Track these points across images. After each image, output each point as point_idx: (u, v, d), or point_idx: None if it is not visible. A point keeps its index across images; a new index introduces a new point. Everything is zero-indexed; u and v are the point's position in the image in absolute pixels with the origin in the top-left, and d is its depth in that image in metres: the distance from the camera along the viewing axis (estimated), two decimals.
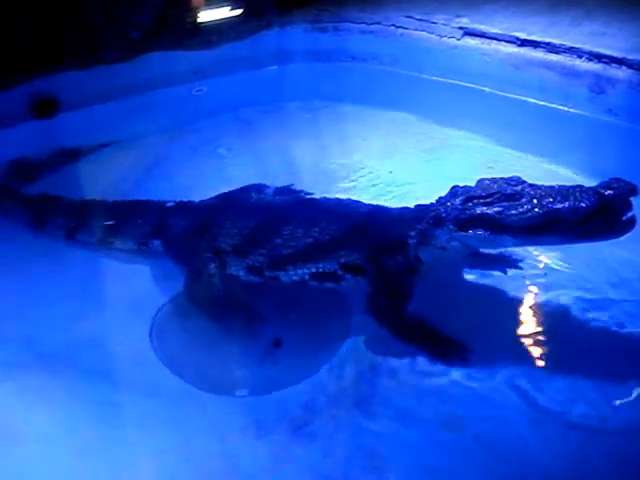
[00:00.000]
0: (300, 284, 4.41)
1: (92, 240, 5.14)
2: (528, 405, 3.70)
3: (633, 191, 3.64)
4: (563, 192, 3.74)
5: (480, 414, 3.67)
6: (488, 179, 4.06)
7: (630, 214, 3.63)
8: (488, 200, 3.90)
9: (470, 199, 3.97)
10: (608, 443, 3.50)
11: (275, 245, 4.39)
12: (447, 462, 3.46)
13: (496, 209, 3.85)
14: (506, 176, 4.03)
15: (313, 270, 4.34)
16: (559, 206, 3.69)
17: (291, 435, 3.62)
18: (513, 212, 3.80)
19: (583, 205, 3.63)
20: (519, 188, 3.88)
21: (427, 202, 4.26)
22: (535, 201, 3.77)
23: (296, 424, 3.67)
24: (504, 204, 3.84)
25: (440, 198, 4.17)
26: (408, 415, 3.69)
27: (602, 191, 3.65)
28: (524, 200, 3.80)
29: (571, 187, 3.77)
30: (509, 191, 3.87)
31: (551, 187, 3.83)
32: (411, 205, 4.37)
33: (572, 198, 3.68)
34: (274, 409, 3.78)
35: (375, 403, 3.78)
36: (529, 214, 3.76)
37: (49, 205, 5.35)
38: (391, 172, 5.85)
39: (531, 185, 3.91)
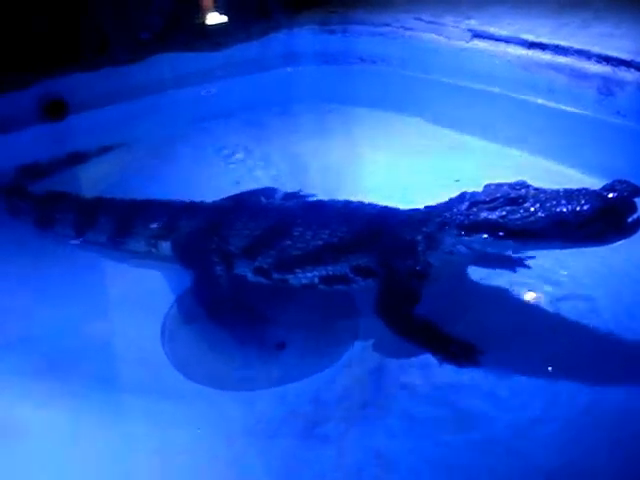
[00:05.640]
0: (309, 287, 4.42)
1: (103, 239, 5.13)
2: (538, 406, 3.69)
3: (637, 192, 3.63)
4: (567, 195, 3.73)
5: (490, 414, 3.66)
6: (494, 184, 4.06)
7: (635, 216, 3.61)
8: (492, 205, 3.91)
9: (475, 204, 3.98)
10: (614, 444, 3.49)
11: (284, 247, 4.39)
12: (458, 462, 3.45)
13: (499, 213, 3.86)
14: (512, 180, 4.03)
15: (323, 273, 4.35)
16: (562, 209, 3.68)
17: (299, 436, 3.62)
18: (516, 216, 3.81)
19: (586, 208, 3.62)
20: (523, 192, 3.88)
21: (436, 203, 4.27)
22: (538, 205, 3.76)
23: (304, 425, 3.67)
24: (507, 208, 3.84)
25: (448, 202, 4.19)
26: (418, 416, 3.68)
27: (605, 193, 3.64)
28: (527, 204, 3.80)
29: (575, 190, 3.75)
30: (513, 195, 3.87)
31: (556, 191, 3.82)
32: (420, 206, 4.38)
33: (575, 201, 3.67)
34: (282, 409, 3.77)
35: (385, 403, 3.78)
36: (532, 218, 3.76)
37: (58, 201, 5.38)
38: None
39: (535, 189, 3.90)
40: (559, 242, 3.80)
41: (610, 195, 3.62)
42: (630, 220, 3.61)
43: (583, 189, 3.75)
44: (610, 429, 3.57)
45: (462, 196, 4.14)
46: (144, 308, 4.57)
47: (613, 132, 6.26)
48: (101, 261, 5.08)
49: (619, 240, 3.70)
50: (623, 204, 3.60)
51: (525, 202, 3.82)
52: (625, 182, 3.67)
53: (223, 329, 4.34)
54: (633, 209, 3.61)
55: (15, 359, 4.21)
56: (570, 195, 3.73)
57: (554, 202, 3.73)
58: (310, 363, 4.07)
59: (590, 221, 3.63)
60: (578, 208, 3.64)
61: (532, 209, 3.77)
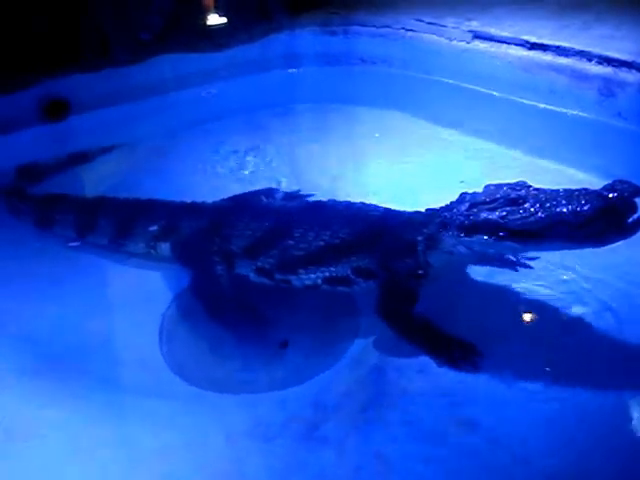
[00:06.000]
0: (312, 288, 4.42)
1: (103, 242, 5.13)
2: (538, 408, 3.69)
3: (638, 192, 3.62)
4: (567, 195, 3.73)
5: (489, 416, 3.65)
6: (494, 185, 4.05)
7: (636, 216, 3.59)
8: (492, 205, 3.90)
9: (475, 205, 3.98)
10: (616, 449, 3.48)
11: (286, 248, 4.39)
12: (457, 465, 3.44)
13: (499, 214, 3.85)
14: (512, 181, 4.03)
15: (326, 275, 4.35)
16: (562, 209, 3.67)
17: (300, 439, 3.61)
18: (516, 216, 3.80)
19: (586, 208, 3.61)
20: (523, 192, 3.87)
21: (437, 206, 4.26)
22: (538, 205, 3.75)
23: (304, 427, 3.66)
24: (507, 209, 3.84)
25: (449, 204, 4.18)
26: (417, 417, 3.67)
27: (606, 193, 3.63)
28: (527, 204, 3.79)
29: (575, 190, 3.75)
30: (513, 195, 3.86)
31: (556, 191, 3.81)
32: (422, 209, 4.37)
33: (575, 201, 3.66)
34: (282, 411, 3.76)
35: (384, 405, 3.76)
36: (532, 218, 3.75)
37: (58, 202, 5.38)
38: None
39: (535, 189, 3.90)
40: (560, 242, 3.78)
41: (610, 195, 3.61)
42: (630, 220, 3.60)
43: (583, 189, 3.74)
44: (612, 433, 3.56)
45: (462, 197, 4.14)
46: (144, 309, 4.56)
47: (614, 133, 6.26)
48: (101, 262, 5.08)
49: (620, 240, 3.68)
50: (623, 204, 3.59)
51: (525, 202, 3.81)
52: (625, 182, 3.66)
53: (224, 329, 4.34)
54: (633, 209, 3.59)
55: (15, 359, 4.21)
56: (570, 195, 3.72)
57: (554, 202, 3.72)
58: (310, 366, 4.07)
59: (590, 221, 3.61)
60: (578, 208, 3.63)
61: (532, 209, 3.76)
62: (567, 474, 3.38)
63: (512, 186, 3.97)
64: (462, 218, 3.99)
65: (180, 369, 4.11)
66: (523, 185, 3.95)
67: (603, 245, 3.75)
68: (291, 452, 3.54)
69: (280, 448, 3.56)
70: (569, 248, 3.88)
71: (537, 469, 3.40)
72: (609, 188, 3.65)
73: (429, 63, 7.60)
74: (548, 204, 3.74)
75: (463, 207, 4.02)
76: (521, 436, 3.54)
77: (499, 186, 4.01)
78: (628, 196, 3.59)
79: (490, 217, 3.88)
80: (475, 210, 3.96)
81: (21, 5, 6.86)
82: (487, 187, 4.08)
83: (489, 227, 3.89)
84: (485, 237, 3.91)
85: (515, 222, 3.80)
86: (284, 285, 4.48)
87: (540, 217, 3.73)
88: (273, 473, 3.47)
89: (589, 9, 7.43)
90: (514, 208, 3.83)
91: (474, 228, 3.94)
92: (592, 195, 3.66)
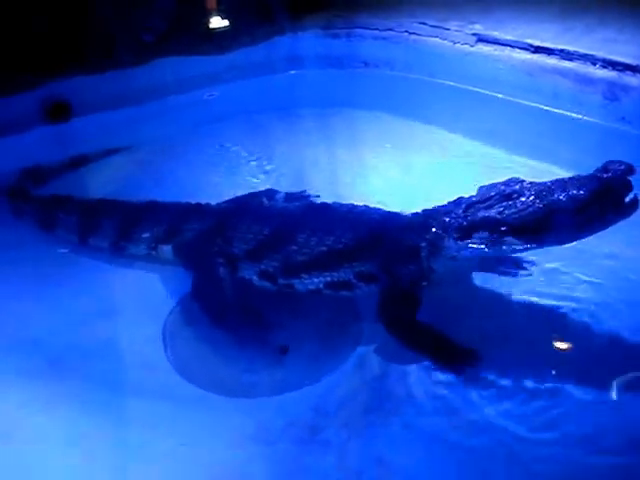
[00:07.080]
0: (315, 293, 4.41)
1: (105, 244, 5.13)
2: (539, 412, 3.68)
3: (630, 171, 3.63)
4: (561, 184, 3.75)
5: (491, 421, 3.64)
6: (487, 185, 4.07)
7: (632, 194, 3.61)
8: (488, 203, 3.91)
9: (471, 206, 3.98)
10: (617, 450, 3.48)
11: (290, 252, 4.38)
12: (458, 468, 3.44)
13: (497, 210, 3.86)
14: (505, 179, 4.04)
15: (328, 279, 4.34)
16: (558, 197, 3.69)
17: (301, 443, 3.60)
18: (513, 210, 3.80)
19: (582, 192, 3.62)
20: (517, 187, 3.88)
21: (432, 207, 4.27)
22: (534, 196, 3.77)
23: (306, 431, 3.66)
24: (504, 204, 3.85)
25: (446, 206, 4.18)
26: (418, 422, 3.67)
27: (599, 175, 3.64)
28: (523, 197, 3.81)
29: (568, 178, 3.78)
30: (508, 191, 3.88)
31: (550, 181, 3.84)
32: (419, 210, 4.36)
33: (570, 187, 3.68)
34: (284, 415, 3.76)
35: (386, 410, 3.76)
36: (530, 209, 3.76)
37: (61, 204, 5.38)
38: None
39: (529, 183, 3.91)
40: (561, 233, 3.78)
41: (604, 176, 3.62)
42: (628, 199, 3.61)
43: (576, 175, 3.76)
44: (612, 435, 3.55)
45: (458, 200, 4.14)
46: (146, 311, 4.57)
47: (618, 137, 6.24)
48: (103, 264, 5.08)
49: (619, 220, 3.68)
50: (618, 183, 3.60)
51: (521, 196, 3.82)
52: (617, 161, 3.68)
53: (226, 332, 4.33)
54: (629, 187, 3.62)
55: (17, 362, 4.22)
56: (564, 183, 3.75)
57: (549, 191, 3.75)
58: (312, 370, 4.06)
59: (588, 204, 3.63)
60: (574, 192, 3.65)
61: (528, 202, 3.78)
62: (566, 476, 3.39)
63: (505, 183, 3.99)
64: (460, 220, 3.99)
65: (182, 372, 4.11)
66: (516, 181, 3.97)
67: (604, 228, 3.74)
68: (293, 456, 3.54)
69: (282, 452, 3.56)
70: (571, 239, 3.88)
71: (538, 473, 3.40)
72: (602, 169, 3.66)
73: (432, 66, 7.59)
74: (544, 193, 3.75)
75: (460, 210, 4.03)
76: (522, 441, 3.54)
77: (492, 185, 4.03)
78: (622, 175, 3.60)
79: (488, 215, 3.89)
80: (472, 210, 3.97)
81: (23, 6, 6.87)
82: (481, 188, 4.10)
83: (488, 224, 3.88)
84: (485, 235, 3.91)
85: (513, 216, 3.81)
86: (287, 290, 4.47)
87: (538, 207, 3.75)
88: (275, 477, 3.48)
89: (591, 12, 7.40)
90: (510, 203, 3.84)
91: (474, 228, 3.94)
92: (586, 179, 3.69)
